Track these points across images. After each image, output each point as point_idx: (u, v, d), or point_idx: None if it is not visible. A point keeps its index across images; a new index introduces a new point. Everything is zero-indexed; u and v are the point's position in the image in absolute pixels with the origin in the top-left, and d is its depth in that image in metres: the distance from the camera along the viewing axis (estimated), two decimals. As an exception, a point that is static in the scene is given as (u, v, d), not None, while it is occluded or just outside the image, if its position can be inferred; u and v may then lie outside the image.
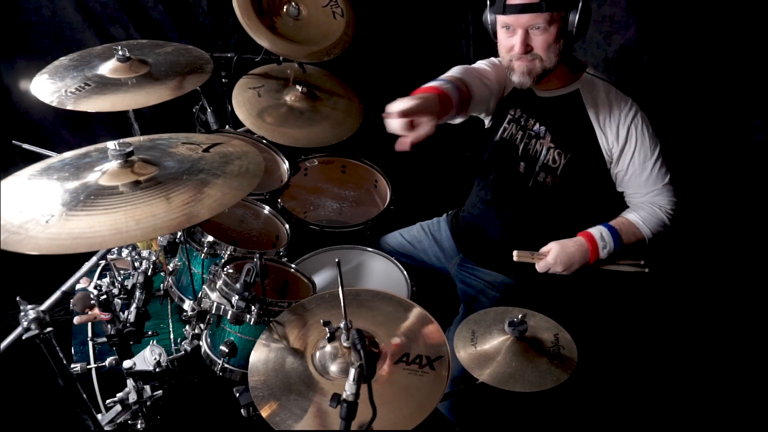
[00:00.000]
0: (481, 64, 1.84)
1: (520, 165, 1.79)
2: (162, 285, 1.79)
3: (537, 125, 1.75)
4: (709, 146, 2.26)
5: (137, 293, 1.57)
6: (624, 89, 1.70)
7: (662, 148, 1.68)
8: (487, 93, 1.78)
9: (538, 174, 1.76)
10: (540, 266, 1.73)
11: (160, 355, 1.52)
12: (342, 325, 1.21)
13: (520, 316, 1.37)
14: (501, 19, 1.59)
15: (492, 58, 1.83)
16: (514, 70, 1.64)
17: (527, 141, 1.77)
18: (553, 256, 1.70)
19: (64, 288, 1.46)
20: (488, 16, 1.67)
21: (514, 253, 1.74)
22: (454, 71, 1.74)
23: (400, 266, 1.95)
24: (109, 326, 1.51)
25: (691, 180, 2.26)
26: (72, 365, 1.63)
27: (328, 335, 1.26)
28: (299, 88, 2.34)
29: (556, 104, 1.72)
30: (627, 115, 1.65)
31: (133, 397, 1.49)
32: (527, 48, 1.58)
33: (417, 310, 1.41)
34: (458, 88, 1.62)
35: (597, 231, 1.72)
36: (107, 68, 1.75)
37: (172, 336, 1.78)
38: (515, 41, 1.58)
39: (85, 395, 1.34)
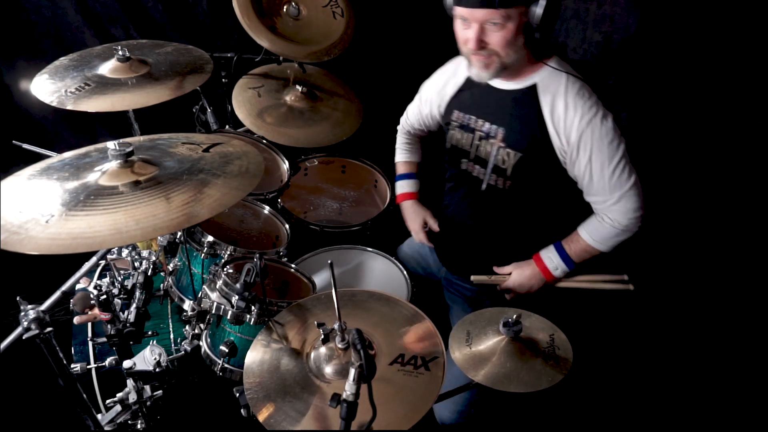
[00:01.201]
0: (425, 87, 1.93)
1: (474, 168, 1.74)
2: (162, 285, 1.79)
3: (486, 125, 1.66)
4: (709, 147, 2.25)
5: (137, 293, 1.58)
6: (624, 89, 1.67)
7: (627, 149, 1.53)
8: (429, 123, 1.96)
9: (490, 176, 1.69)
10: (501, 288, 1.79)
11: (160, 355, 1.53)
12: (336, 326, 1.21)
13: (515, 316, 1.37)
14: (457, 10, 1.50)
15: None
16: (473, 64, 1.55)
17: (477, 143, 1.69)
18: (512, 281, 1.76)
19: (64, 288, 1.46)
20: (447, 1, 1.54)
21: (472, 277, 1.79)
22: (402, 141, 2.10)
23: (401, 266, 1.95)
24: (109, 326, 1.51)
25: (690, 180, 2.27)
26: (72, 365, 1.64)
27: (323, 337, 1.26)
28: (299, 88, 2.34)
29: (509, 98, 1.61)
30: (582, 119, 1.50)
31: (133, 397, 1.49)
32: (482, 44, 1.47)
33: (413, 311, 1.41)
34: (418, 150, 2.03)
35: (546, 253, 1.72)
36: (107, 68, 1.75)
37: (172, 336, 1.78)
38: (470, 35, 1.48)
39: (85, 395, 1.34)
